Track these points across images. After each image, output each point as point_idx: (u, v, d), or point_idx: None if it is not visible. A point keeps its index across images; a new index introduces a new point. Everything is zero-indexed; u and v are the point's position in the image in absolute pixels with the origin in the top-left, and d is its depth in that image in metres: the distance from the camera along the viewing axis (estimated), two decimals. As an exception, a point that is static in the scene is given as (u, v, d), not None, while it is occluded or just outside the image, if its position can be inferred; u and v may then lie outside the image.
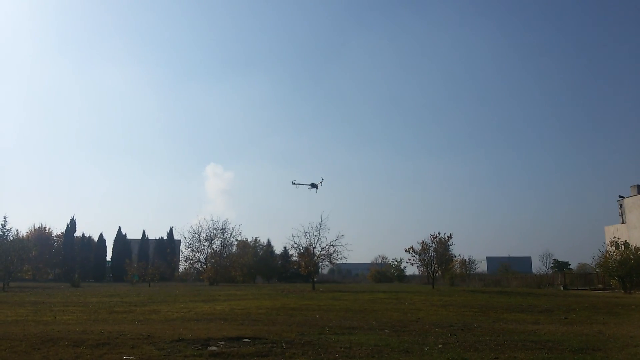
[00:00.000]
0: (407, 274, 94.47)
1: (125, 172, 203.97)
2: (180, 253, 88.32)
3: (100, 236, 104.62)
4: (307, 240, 52.21)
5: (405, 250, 55.54)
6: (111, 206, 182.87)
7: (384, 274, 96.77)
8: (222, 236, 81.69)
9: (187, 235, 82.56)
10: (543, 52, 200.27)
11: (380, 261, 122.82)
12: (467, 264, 77.60)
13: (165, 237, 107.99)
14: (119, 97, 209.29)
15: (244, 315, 20.12)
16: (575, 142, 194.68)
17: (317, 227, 51.72)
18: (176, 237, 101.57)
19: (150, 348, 10.93)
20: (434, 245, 53.78)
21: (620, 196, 61.85)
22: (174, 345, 11.30)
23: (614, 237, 53.51)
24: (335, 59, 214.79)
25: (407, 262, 60.39)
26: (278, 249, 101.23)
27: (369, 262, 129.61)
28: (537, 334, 14.64)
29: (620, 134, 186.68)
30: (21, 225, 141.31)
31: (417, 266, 57.06)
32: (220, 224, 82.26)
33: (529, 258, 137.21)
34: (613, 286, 49.86)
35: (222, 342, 11.92)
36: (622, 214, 60.82)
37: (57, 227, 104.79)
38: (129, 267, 79.52)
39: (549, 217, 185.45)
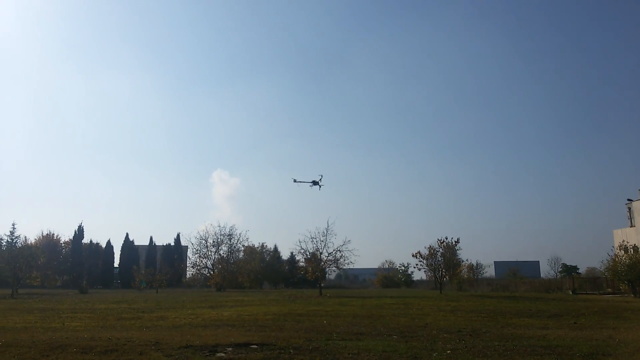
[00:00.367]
0: (414, 279, 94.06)
1: (132, 179, 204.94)
2: (188, 259, 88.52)
3: (108, 242, 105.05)
4: (314, 245, 52.33)
5: (413, 255, 55.56)
6: (118, 213, 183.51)
7: (391, 279, 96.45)
8: (229, 242, 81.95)
9: (194, 241, 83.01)
10: (548, 55, 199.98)
11: (387, 266, 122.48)
12: (474, 268, 77.46)
13: (172, 243, 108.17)
14: (125, 103, 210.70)
15: (251, 321, 20.13)
16: (583, 145, 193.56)
17: (323, 232, 51.85)
18: (183, 243, 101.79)
19: (158, 354, 10.95)
20: (441, 250, 53.73)
21: (628, 199, 61.37)
22: (181, 352, 11.32)
23: (623, 241, 53.10)
24: (340, 64, 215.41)
25: (414, 267, 60.28)
26: (285, 255, 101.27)
27: (376, 267, 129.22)
28: (546, 339, 14.53)
29: (628, 136, 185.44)
30: (29, 232, 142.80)
31: (425, 271, 57.20)
32: (227, 230, 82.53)
33: (537, 262, 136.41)
34: (622, 290, 49.48)
35: (230, 349, 11.92)
36: (630, 218, 60.34)
37: (65, 234, 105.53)
38: (136, 273, 79.78)
39: (557, 221, 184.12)
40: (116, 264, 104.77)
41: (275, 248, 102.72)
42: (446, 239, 53.79)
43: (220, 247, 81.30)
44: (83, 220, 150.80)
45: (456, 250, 55.14)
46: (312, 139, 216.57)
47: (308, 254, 53.32)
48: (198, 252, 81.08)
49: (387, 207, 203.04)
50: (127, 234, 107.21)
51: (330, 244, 52.43)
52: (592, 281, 61.89)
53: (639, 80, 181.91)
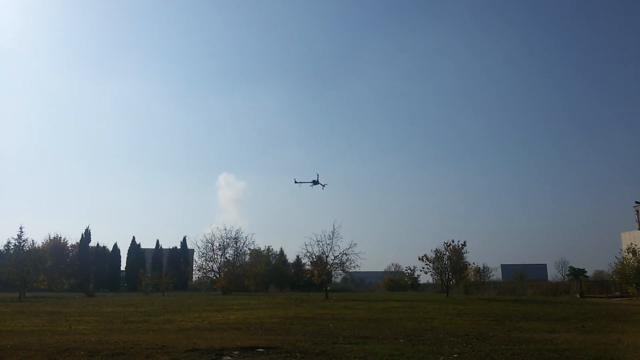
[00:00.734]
0: (420, 282, 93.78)
1: (138, 182, 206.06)
2: (194, 262, 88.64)
3: (115, 246, 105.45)
4: (320, 248, 52.33)
5: (419, 259, 55.40)
6: (125, 216, 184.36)
7: (398, 282, 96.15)
8: (235, 245, 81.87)
9: (200, 244, 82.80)
10: (558, 57, 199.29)
11: (393, 269, 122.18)
12: (481, 271, 77.00)
13: (178, 247, 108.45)
14: (133, 107, 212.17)
15: (257, 324, 20.13)
16: (591, 148, 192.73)
17: (329, 235, 51.83)
18: (189, 246, 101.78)
19: (164, 358, 10.97)
20: (447, 253, 53.52)
21: (636, 202, 61.07)
22: (188, 355, 11.34)
23: (631, 244, 52.76)
24: (347, 67, 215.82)
25: (420, 271, 60.21)
26: (291, 258, 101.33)
27: (382, 270, 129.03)
28: (554, 343, 14.44)
29: (637, 139, 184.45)
30: (37, 235, 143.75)
31: (431, 274, 56.87)
32: (233, 233, 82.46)
33: (544, 265, 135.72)
34: (631, 293, 49.10)
35: (236, 352, 11.93)
36: (638, 220, 59.97)
37: (72, 237, 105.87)
38: (143, 276, 80.00)
39: (565, 223, 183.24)
40: (123, 267, 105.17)
41: (282, 251, 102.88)
42: (452, 242, 53.64)
43: (226, 251, 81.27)
44: (90, 223, 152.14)
45: (463, 254, 54.90)
46: (319, 142, 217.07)
47: (314, 257, 53.32)
48: (204, 255, 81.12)
49: (394, 210, 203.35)
50: (133, 237, 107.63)
51: (336, 247, 52.50)
52: (600, 284, 61.52)
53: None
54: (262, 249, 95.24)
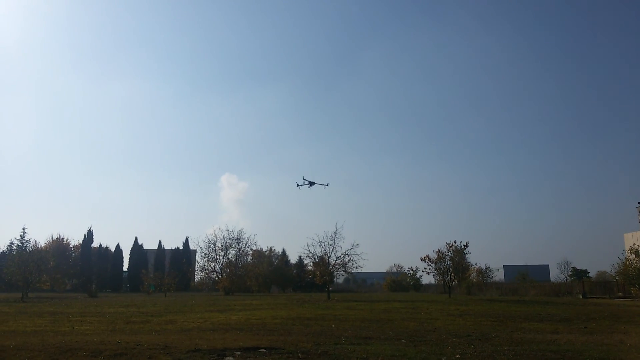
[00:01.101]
0: (423, 283, 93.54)
1: (141, 182, 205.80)
2: (196, 263, 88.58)
3: (117, 246, 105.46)
4: (322, 249, 52.21)
5: (421, 259, 55.24)
6: (128, 217, 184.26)
7: (400, 283, 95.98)
8: (237, 246, 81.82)
9: (202, 245, 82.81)
10: (561, 57, 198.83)
11: (395, 270, 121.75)
12: (483, 272, 76.77)
13: (181, 247, 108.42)
14: (135, 108, 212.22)
15: (259, 325, 20.15)
16: (594, 148, 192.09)
17: (332, 236, 51.70)
18: (192, 247, 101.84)
19: (167, 358, 10.99)
20: (450, 253, 53.39)
21: (639, 202, 60.88)
22: (190, 356, 11.35)
23: (634, 245, 52.64)
24: (349, 68, 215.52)
25: (423, 271, 60.02)
26: (293, 259, 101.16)
27: (385, 271, 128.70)
28: (556, 344, 14.43)
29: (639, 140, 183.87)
30: (39, 236, 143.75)
31: (433, 275, 56.59)
32: (236, 234, 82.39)
33: (547, 266, 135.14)
34: (633, 294, 49.01)
35: (239, 352, 11.94)
36: (641, 221, 59.83)
37: (75, 238, 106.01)
38: (145, 277, 80.00)
39: (567, 224, 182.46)
40: (125, 267, 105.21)
41: (284, 252, 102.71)
42: (455, 242, 53.50)
43: (228, 251, 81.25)
44: (92, 224, 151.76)
45: (465, 254, 54.76)
46: (322, 143, 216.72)
47: (316, 257, 53.24)
48: (206, 256, 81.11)
49: (396, 210, 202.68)
50: (136, 238, 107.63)
51: (338, 248, 52.31)
52: (603, 285, 61.40)
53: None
54: (264, 250, 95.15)
